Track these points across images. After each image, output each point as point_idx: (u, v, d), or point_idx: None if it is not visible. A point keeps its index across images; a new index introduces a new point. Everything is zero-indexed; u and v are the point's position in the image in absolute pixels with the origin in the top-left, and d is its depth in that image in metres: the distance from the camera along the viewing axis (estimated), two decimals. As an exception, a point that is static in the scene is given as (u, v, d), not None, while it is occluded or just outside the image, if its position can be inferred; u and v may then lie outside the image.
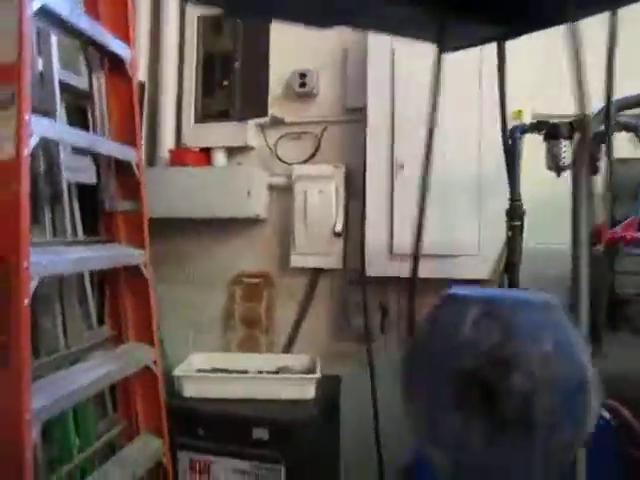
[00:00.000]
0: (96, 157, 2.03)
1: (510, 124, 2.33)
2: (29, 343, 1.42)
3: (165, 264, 2.67)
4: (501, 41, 0.91)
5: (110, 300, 2.13)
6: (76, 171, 2.01)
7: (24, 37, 1.41)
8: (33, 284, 1.45)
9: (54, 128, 1.63)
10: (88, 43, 1.89)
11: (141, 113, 2.41)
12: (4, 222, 1.42)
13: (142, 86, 2.56)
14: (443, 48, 0.90)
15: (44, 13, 1.56)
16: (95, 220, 2.08)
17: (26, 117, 1.42)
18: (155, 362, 2.07)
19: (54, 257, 1.58)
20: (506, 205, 2.31)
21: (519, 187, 2.05)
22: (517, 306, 0.66)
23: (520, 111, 2.40)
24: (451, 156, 2.33)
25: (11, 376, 1.40)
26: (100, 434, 2.02)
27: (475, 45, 1.02)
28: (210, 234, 2.75)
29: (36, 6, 1.49)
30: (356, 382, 2.55)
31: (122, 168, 2.01)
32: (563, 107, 2.27)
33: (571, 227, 1.48)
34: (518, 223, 2.03)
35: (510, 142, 2.04)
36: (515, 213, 2.03)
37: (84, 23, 1.75)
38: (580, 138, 1.73)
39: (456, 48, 1.00)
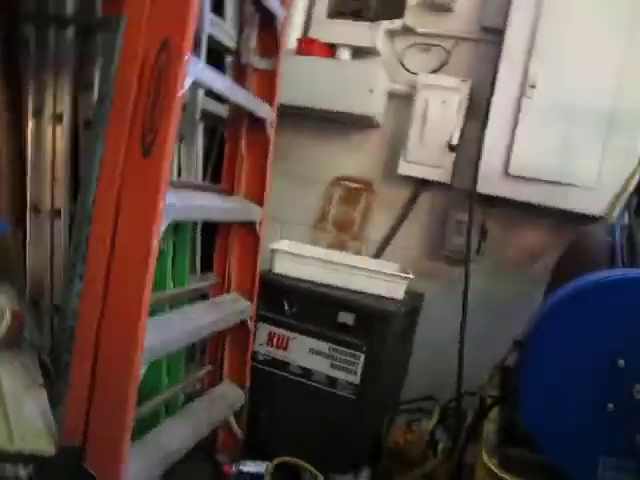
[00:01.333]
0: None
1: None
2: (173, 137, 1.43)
3: (278, 153, 2.67)
4: None
5: (218, 248, 2.16)
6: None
7: None
8: (163, 226, 1.45)
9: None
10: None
11: None
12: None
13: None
14: None
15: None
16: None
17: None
18: (251, 317, 2.10)
19: (186, 202, 1.62)
20: (637, 145, 2.21)
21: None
22: None
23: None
24: (587, 80, 2.25)
25: (152, 166, 1.42)
26: (186, 375, 2.08)
27: None
28: (324, 129, 2.73)
29: None
30: (438, 300, 2.51)
31: (264, 24, 2.01)
32: None
33: None
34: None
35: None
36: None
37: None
38: None
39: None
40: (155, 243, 1.42)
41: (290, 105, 2.54)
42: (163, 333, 1.60)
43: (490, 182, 2.36)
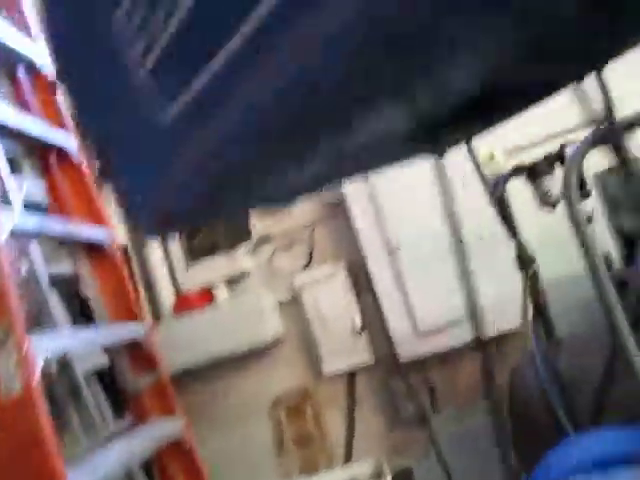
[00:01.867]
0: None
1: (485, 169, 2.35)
2: None
3: (199, 412, 2.59)
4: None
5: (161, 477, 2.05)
6: (88, 361, 1.99)
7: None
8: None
9: (55, 343, 1.61)
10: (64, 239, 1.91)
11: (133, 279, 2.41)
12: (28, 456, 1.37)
13: (125, 250, 2.56)
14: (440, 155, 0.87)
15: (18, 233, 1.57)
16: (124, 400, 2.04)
17: (25, 346, 1.40)
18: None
19: (92, 475, 1.52)
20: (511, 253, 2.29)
21: (519, 234, 2.02)
22: None
23: (492, 154, 2.41)
24: (446, 218, 2.33)
25: None
26: None
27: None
28: (232, 370, 2.68)
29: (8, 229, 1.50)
30: (428, 468, 2.45)
31: (132, 345, 1.98)
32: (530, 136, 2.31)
33: (584, 255, 1.45)
34: (530, 270, 1.99)
35: (497, 195, 2.03)
36: (525, 260, 1.99)
37: (60, 226, 1.76)
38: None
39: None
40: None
41: (191, 367, 2.51)
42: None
43: (408, 347, 2.37)
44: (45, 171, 1.97)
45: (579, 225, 1.48)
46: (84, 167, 2.00)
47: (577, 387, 1.74)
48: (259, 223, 2.70)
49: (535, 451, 1.63)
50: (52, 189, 1.94)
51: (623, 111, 1.77)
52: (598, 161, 2.23)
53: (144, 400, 1.99)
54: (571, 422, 1.68)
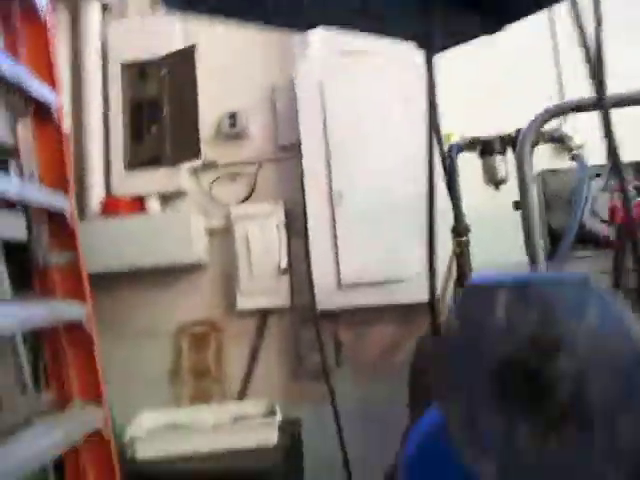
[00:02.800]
0: (26, 210, 1.90)
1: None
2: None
3: (104, 319, 2.50)
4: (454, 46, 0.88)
5: (51, 361, 1.95)
6: (4, 228, 1.88)
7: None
8: None
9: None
10: (11, 89, 1.79)
11: (68, 163, 2.30)
12: None
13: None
14: (431, 50, 0.85)
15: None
16: (26, 278, 1.94)
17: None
18: (106, 424, 1.91)
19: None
20: (447, 224, 2.35)
21: (461, 204, 2.09)
22: (552, 284, 0.61)
23: (450, 134, 2.47)
24: (389, 180, 2.37)
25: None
26: None
27: (462, 42, 0.98)
28: (149, 285, 2.63)
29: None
30: (318, 420, 2.47)
31: (54, 219, 1.89)
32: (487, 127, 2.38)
33: (525, 236, 1.50)
34: (465, 238, 2.06)
35: (448, 161, 2.09)
36: (461, 229, 2.06)
37: (6, 66, 1.66)
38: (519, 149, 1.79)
39: (443, 48, 0.95)
40: None
41: (108, 272, 2.42)
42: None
43: (327, 297, 2.39)
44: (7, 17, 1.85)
45: (527, 200, 1.54)
46: (49, 25, 1.89)
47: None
48: (209, 149, 2.66)
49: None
50: (7, 33, 1.82)
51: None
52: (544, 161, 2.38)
53: (53, 277, 1.90)
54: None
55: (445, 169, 2.06)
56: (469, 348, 0.67)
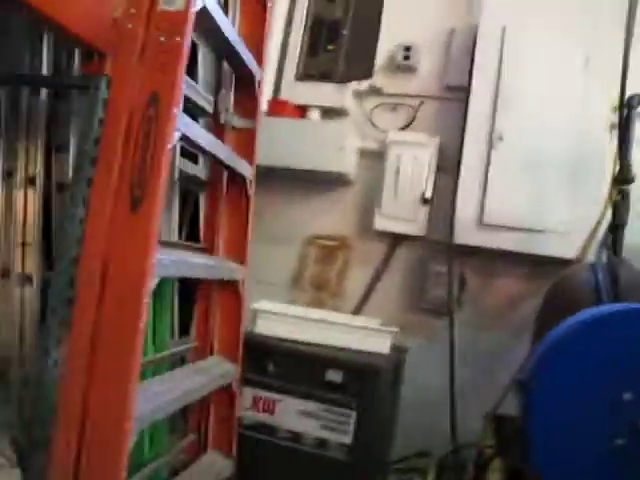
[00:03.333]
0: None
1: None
2: (163, 190, 1.40)
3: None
4: None
5: (199, 310, 2.09)
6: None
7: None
8: (153, 283, 1.41)
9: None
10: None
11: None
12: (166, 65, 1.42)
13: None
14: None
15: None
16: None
17: None
18: (236, 381, 2.02)
19: (174, 258, 1.59)
20: (602, 188, 2.28)
21: (631, 153, 2.03)
22: None
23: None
24: (551, 129, 2.34)
25: (141, 223, 1.38)
26: (169, 446, 1.98)
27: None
28: (295, 188, 2.74)
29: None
30: (422, 353, 2.46)
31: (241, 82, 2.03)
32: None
33: None
34: (627, 187, 1.99)
35: (625, 111, 2.04)
36: (626, 177, 2.00)
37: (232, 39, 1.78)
38: None
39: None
40: (145, 302, 1.36)
41: (262, 165, 2.54)
42: (151, 401, 1.50)
43: (465, 232, 2.39)
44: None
45: None
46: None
47: (630, 294, 1.75)
48: (378, 76, 2.73)
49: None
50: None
51: None
52: None
53: (220, 233, 2.07)
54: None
55: (621, 116, 2.03)
56: None
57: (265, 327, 2.21)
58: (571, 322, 1.43)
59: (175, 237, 2.26)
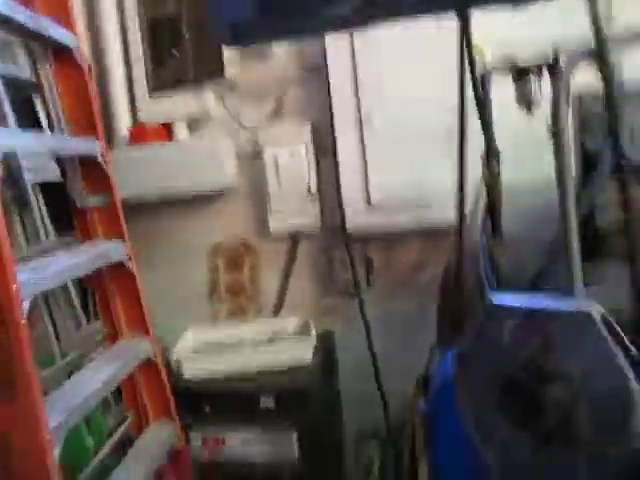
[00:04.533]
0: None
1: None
2: (36, 372, 1.39)
3: (140, 245, 2.60)
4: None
5: (98, 297, 2.07)
6: (38, 171, 1.92)
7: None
8: (26, 304, 1.39)
9: (9, 140, 1.53)
10: (29, 37, 1.76)
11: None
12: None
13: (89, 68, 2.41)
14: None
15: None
16: (68, 219, 2.01)
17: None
18: (154, 353, 2.05)
19: (40, 273, 1.52)
20: (476, 150, 2.31)
21: (492, 129, 2.05)
22: (556, 316, 0.65)
23: (479, 47, 2.36)
24: (421, 103, 2.32)
25: (21, 411, 1.37)
26: (110, 429, 2.03)
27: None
28: (182, 210, 2.69)
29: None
30: (349, 335, 2.59)
31: (87, 161, 1.92)
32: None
33: (555, 163, 1.50)
34: (495, 164, 2.04)
35: (480, 87, 2.03)
36: (491, 155, 2.04)
37: (21, 16, 1.62)
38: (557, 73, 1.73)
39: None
40: (23, 324, 1.35)
41: (139, 199, 2.49)
42: (67, 406, 1.53)
43: (356, 217, 2.43)
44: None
45: (561, 130, 1.51)
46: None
47: (511, 281, 1.86)
48: (232, 68, 2.60)
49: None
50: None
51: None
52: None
53: (93, 219, 1.97)
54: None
55: (476, 95, 2.02)
56: (483, 360, 0.72)
57: (191, 371, 2.27)
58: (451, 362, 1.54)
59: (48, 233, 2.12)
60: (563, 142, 1.53)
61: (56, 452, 1.41)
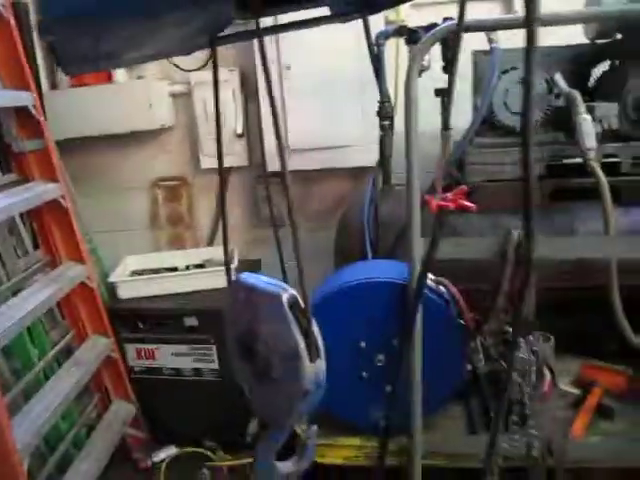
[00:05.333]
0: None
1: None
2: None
3: (86, 178, 2.88)
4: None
5: (39, 229, 2.37)
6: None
7: None
8: None
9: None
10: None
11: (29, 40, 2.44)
12: None
13: (25, 6, 2.52)
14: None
15: None
16: (7, 161, 2.27)
17: None
18: (89, 277, 2.38)
19: None
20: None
21: (386, 88, 2.28)
22: (264, 297, 0.99)
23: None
24: (334, 52, 2.51)
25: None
26: (54, 342, 2.39)
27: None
28: (121, 147, 2.93)
29: None
30: (275, 262, 2.90)
31: (21, 113, 2.15)
32: None
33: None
34: (387, 122, 2.28)
35: (376, 47, 2.24)
36: (384, 113, 2.28)
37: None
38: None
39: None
40: None
41: (80, 137, 2.73)
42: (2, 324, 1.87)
43: (276, 159, 2.68)
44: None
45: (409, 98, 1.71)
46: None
47: (388, 228, 2.15)
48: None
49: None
50: None
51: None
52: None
53: (29, 162, 2.23)
54: (373, 253, 2.13)
55: (372, 56, 2.23)
56: (229, 323, 1.06)
57: (126, 292, 2.61)
58: (328, 288, 1.87)
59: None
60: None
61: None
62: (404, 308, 1.72)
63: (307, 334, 0.93)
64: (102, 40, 0.92)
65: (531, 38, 0.84)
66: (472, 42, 2.05)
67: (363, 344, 1.83)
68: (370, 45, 2.21)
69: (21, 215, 2.37)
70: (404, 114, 1.69)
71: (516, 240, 1.68)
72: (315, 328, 0.97)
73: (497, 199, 2.09)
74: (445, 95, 2.39)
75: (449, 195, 1.25)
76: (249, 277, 1.05)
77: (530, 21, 0.83)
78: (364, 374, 1.85)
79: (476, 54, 2.40)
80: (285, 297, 0.94)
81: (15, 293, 2.17)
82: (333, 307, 1.85)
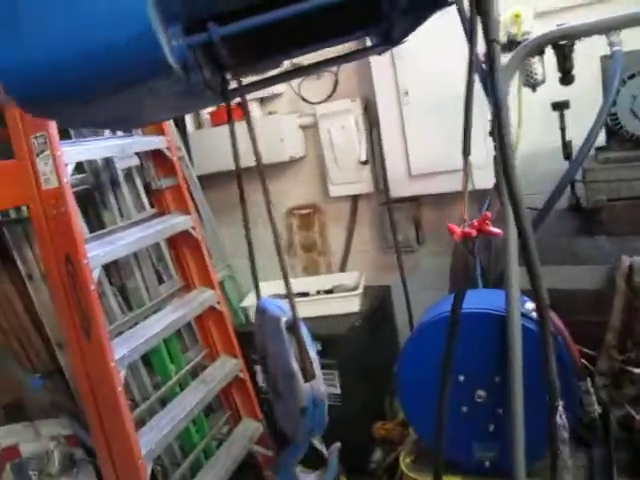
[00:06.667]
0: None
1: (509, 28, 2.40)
2: (103, 318, 1.95)
3: (227, 209, 3.11)
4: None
5: (176, 258, 2.62)
6: (124, 159, 2.47)
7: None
8: (95, 273, 1.94)
9: (85, 152, 2.07)
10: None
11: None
12: (65, 232, 1.91)
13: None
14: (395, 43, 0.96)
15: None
16: (148, 197, 2.56)
17: (58, 152, 1.86)
18: (218, 302, 2.56)
19: (109, 247, 2.07)
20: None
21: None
22: (268, 320, 1.02)
23: (518, 14, 2.41)
24: (450, 75, 2.45)
25: (95, 345, 1.95)
26: (190, 360, 2.61)
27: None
28: (258, 178, 3.11)
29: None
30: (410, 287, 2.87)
31: (157, 153, 2.42)
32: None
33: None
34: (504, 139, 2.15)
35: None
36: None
37: None
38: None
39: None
40: (92, 290, 1.91)
41: (221, 172, 2.96)
42: (131, 343, 2.09)
43: (399, 185, 2.69)
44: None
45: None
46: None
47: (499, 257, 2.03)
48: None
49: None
50: None
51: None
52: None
53: (165, 197, 2.48)
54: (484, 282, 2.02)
55: (479, 74, 2.14)
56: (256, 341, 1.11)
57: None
58: (427, 318, 1.82)
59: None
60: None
61: (122, 375, 1.97)
62: (504, 342, 1.61)
63: (301, 356, 1.00)
64: (90, 112, 0.95)
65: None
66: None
67: (462, 378, 1.73)
68: (471, 62, 2.11)
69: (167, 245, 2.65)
70: (496, 130, 1.60)
71: (627, 268, 1.50)
72: (312, 351, 1.04)
73: (625, 220, 1.88)
74: (562, 108, 2.23)
75: (474, 222, 1.16)
76: (266, 301, 1.11)
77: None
78: (464, 409, 1.76)
79: (603, 59, 2.20)
80: (284, 320, 1.00)
81: (155, 312, 2.43)
82: (428, 338, 1.80)
